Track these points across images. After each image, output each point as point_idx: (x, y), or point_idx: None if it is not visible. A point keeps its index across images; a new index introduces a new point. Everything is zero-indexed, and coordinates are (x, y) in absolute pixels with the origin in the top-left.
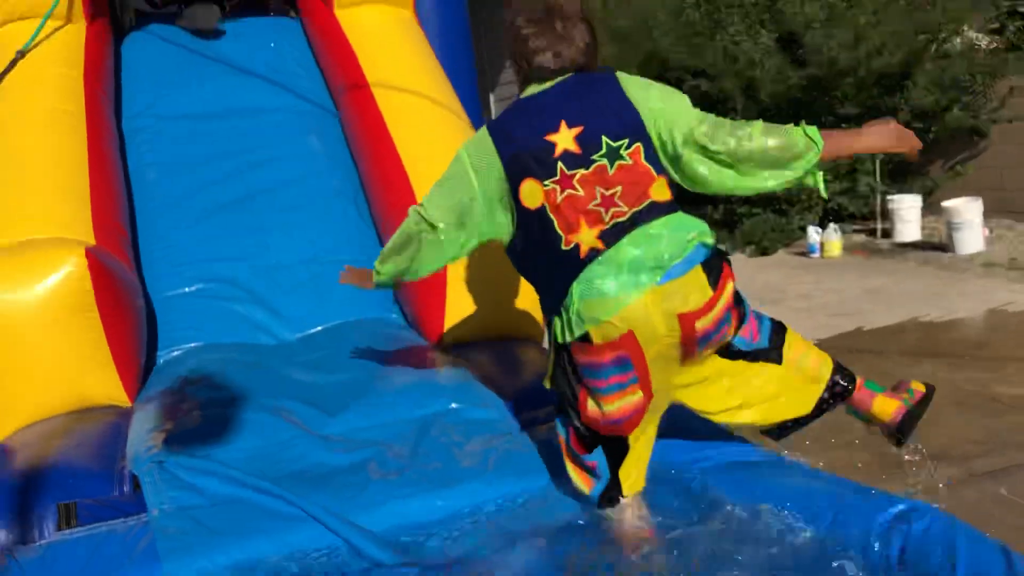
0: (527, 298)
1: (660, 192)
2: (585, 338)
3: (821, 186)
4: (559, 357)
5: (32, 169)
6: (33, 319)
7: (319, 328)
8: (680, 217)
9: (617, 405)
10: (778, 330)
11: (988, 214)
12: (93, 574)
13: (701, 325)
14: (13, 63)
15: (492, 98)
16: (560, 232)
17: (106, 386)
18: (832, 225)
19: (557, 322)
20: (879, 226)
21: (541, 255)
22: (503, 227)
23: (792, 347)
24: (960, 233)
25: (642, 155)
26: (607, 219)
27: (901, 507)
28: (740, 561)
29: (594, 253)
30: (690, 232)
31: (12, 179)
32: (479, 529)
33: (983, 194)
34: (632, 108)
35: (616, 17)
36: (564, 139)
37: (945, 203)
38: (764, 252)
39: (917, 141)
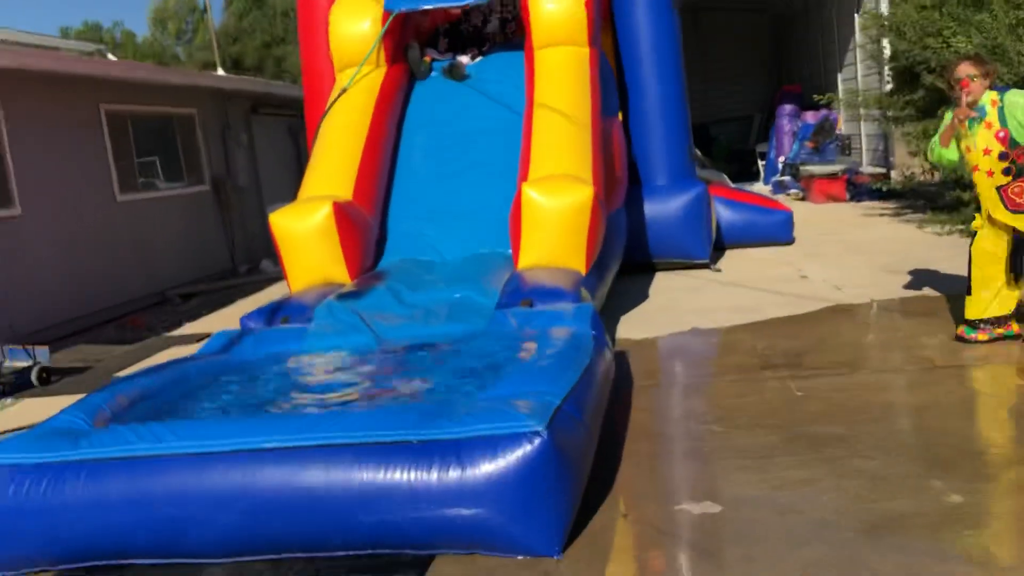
0: (568, 245)
1: None
2: None
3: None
4: None
5: (329, 155)
6: (306, 238)
7: (463, 254)
8: None
9: None
10: None
11: None
12: (285, 340)
13: None
14: (338, 96)
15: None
16: None
17: (339, 274)
18: None
19: None
20: None
21: None
22: None
23: None
24: None
25: None
26: None
27: None
28: None
29: None
30: None
31: (319, 162)
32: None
33: None
34: None
35: None
36: None
37: None
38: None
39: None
